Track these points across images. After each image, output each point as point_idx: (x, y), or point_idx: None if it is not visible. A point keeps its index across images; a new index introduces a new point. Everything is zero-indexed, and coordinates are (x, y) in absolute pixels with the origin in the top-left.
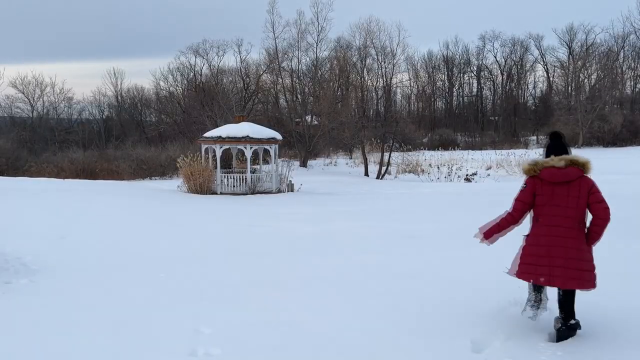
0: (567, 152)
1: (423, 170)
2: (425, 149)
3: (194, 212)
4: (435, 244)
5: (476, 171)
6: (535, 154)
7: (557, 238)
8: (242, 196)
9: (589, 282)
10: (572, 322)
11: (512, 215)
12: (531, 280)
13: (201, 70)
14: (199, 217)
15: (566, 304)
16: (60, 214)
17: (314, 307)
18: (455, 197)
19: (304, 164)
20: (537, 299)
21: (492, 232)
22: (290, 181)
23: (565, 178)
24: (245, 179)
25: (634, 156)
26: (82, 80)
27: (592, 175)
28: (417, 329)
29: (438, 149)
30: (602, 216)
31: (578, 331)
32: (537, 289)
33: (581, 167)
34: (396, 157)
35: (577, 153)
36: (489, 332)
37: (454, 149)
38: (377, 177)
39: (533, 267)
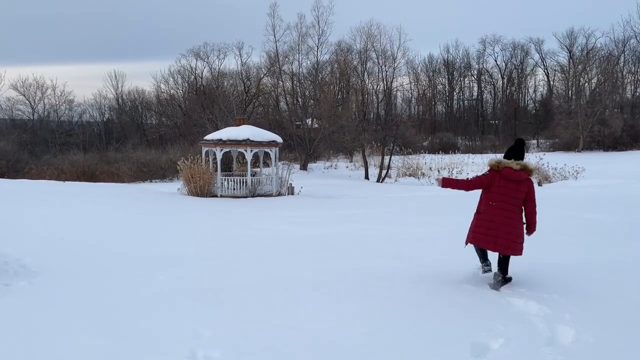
0: (523, 157)
1: (423, 174)
2: (425, 153)
3: (194, 215)
4: (435, 247)
5: (476, 175)
6: (535, 157)
7: (506, 218)
8: (243, 199)
9: (519, 251)
10: (508, 277)
11: (469, 183)
12: (480, 245)
13: (202, 73)
14: (199, 220)
15: (504, 264)
16: (60, 216)
17: (313, 309)
18: (455, 201)
19: (304, 167)
20: (487, 264)
21: (449, 184)
22: (291, 184)
23: (517, 178)
24: (246, 181)
25: (634, 160)
26: (83, 83)
27: (592, 179)
28: (417, 332)
29: (438, 153)
30: (532, 211)
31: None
32: (483, 253)
33: (529, 172)
34: (396, 160)
35: (576, 157)
36: (489, 335)
37: (455, 153)
38: (378, 181)
39: (484, 236)
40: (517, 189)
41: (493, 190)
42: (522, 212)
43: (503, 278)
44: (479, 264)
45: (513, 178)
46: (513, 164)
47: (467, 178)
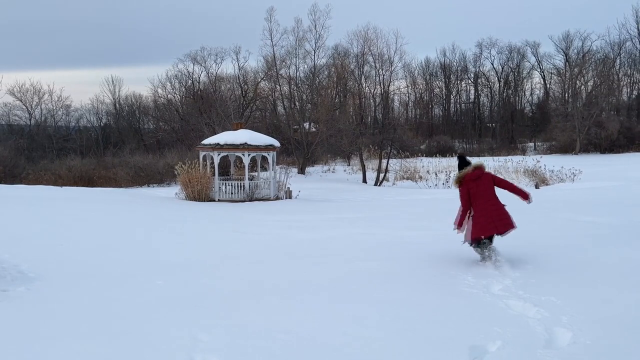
0: (470, 164)
1: (421, 177)
2: (423, 156)
3: (191, 220)
4: (433, 250)
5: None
6: (532, 160)
7: (491, 206)
8: (240, 203)
9: (513, 224)
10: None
11: (464, 210)
12: (487, 234)
13: (199, 77)
14: (197, 225)
15: (492, 239)
16: (57, 222)
17: (312, 314)
18: (452, 204)
19: (302, 171)
20: (487, 249)
21: (460, 223)
22: (289, 188)
23: (476, 176)
24: (243, 186)
25: (631, 163)
26: (80, 88)
27: (589, 182)
28: (414, 335)
29: (436, 156)
30: (507, 185)
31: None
32: (480, 243)
33: (481, 168)
34: (394, 163)
35: (573, 159)
36: (487, 338)
37: (452, 156)
38: (375, 184)
39: (489, 226)
40: (482, 183)
41: (472, 194)
42: (496, 197)
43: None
44: (478, 256)
45: (474, 177)
46: (468, 169)
47: (460, 210)
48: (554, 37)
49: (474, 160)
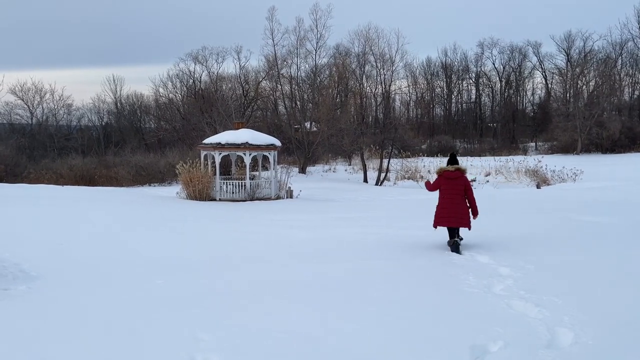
0: (458, 163)
1: (422, 177)
2: (424, 156)
3: (192, 219)
4: (434, 250)
5: (475, 177)
6: (533, 160)
7: (453, 204)
8: (241, 202)
9: (466, 224)
10: (458, 240)
11: (430, 186)
12: (443, 225)
13: (200, 77)
14: (198, 224)
15: (456, 233)
16: (58, 221)
17: (312, 313)
18: None
19: (303, 171)
20: (453, 241)
21: (428, 185)
22: (290, 187)
23: (453, 176)
24: (245, 185)
25: (632, 163)
26: (81, 87)
27: (591, 182)
28: (416, 335)
29: (437, 156)
30: (471, 199)
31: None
32: (451, 233)
33: (462, 171)
34: (395, 163)
35: (574, 159)
36: (488, 338)
37: None
38: (376, 184)
39: (446, 218)
40: (456, 183)
41: (442, 188)
42: (465, 199)
43: (456, 241)
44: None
45: (451, 177)
46: (449, 167)
47: (428, 182)
48: (555, 37)
49: (464, 163)
